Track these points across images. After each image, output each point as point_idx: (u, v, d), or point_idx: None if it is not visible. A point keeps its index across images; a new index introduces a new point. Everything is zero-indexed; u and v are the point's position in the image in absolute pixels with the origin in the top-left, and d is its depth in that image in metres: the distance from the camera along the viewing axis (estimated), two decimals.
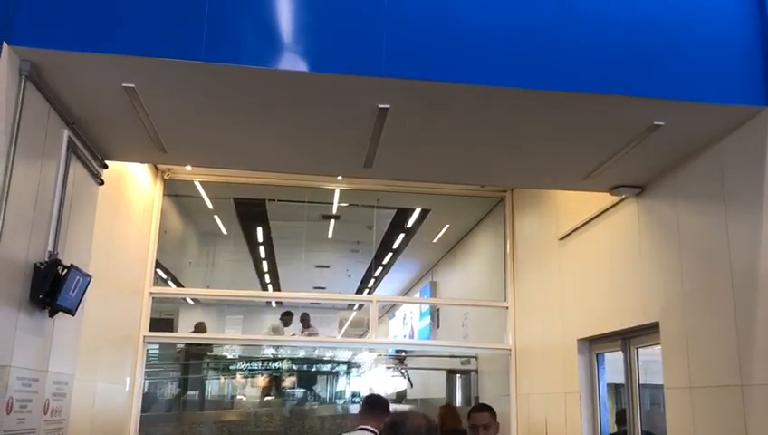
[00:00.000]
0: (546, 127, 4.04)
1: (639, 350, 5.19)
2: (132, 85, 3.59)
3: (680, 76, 3.66)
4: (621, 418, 5.54)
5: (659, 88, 3.63)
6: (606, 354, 5.71)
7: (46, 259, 3.81)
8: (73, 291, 3.98)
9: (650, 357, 5.17)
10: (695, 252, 4.31)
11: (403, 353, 10.61)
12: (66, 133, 4.03)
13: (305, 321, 10.29)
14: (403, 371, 10.71)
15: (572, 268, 6.05)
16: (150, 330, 6.99)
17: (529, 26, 3.62)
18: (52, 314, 3.94)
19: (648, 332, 4.86)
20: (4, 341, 3.43)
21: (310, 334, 9.97)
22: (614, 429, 5.69)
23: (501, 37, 3.59)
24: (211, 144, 4.60)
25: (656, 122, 3.85)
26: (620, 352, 5.34)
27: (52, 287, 3.77)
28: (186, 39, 3.39)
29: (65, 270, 3.85)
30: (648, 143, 4.12)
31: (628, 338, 5.21)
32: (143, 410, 6.86)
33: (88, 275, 4.15)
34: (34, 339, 3.83)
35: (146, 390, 7.11)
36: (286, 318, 10.60)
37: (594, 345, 5.74)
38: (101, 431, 5.53)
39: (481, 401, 8.55)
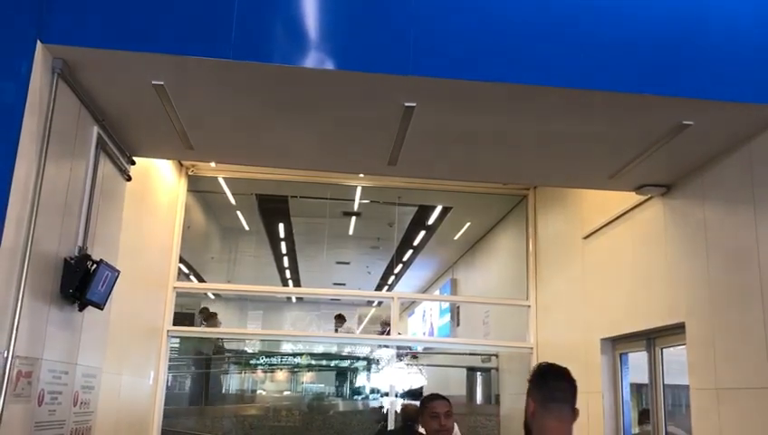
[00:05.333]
0: (574, 125, 4.01)
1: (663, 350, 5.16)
2: (162, 83, 3.62)
3: (710, 75, 3.61)
4: (644, 418, 5.50)
5: (689, 87, 3.59)
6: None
7: (76, 254, 3.87)
8: (102, 285, 4.04)
9: (669, 357, 5.14)
10: (722, 252, 4.27)
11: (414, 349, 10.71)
12: (96, 130, 4.08)
13: (204, 314, 9.92)
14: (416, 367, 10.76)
15: (596, 267, 6.02)
16: (173, 324, 7.07)
17: (557, 25, 3.60)
18: (81, 308, 4.00)
19: (673, 332, 4.82)
20: (36, 334, 3.49)
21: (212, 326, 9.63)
22: (637, 429, 5.66)
23: (529, 36, 3.57)
24: (238, 142, 4.64)
25: (684, 122, 3.82)
26: (642, 352, 5.31)
27: (81, 282, 3.83)
28: (215, 37, 3.42)
29: (94, 265, 3.91)
30: (675, 143, 4.08)
31: (653, 338, 5.18)
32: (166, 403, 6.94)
33: (116, 270, 4.20)
34: (64, 332, 3.89)
35: (169, 383, 7.19)
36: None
37: (618, 345, 5.71)
38: (126, 424, 5.61)
39: (502, 400, 8.55)
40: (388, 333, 10.21)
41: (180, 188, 7.24)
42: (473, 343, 9.44)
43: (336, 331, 9.94)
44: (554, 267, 7.16)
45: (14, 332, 3.15)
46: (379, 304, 13.58)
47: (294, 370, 10.50)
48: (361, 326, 14.90)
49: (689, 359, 4.54)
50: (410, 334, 13.68)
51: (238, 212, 9.70)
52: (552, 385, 2.27)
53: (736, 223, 4.12)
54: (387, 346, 9.14)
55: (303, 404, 9.99)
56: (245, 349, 10.35)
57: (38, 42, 3.31)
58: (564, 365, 2.46)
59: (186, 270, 8.29)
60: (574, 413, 2.28)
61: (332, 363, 10.72)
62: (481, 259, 10.90)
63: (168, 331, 6.95)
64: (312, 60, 3.50)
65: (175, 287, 7.08)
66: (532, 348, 7.48)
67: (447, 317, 12.25)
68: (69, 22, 3.38)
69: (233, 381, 10.61)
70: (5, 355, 3.11)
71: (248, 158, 5.52)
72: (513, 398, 8.17)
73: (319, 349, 10.80)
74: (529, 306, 7.65)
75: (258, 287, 8.87)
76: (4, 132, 3.17)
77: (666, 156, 4.32)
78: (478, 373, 10.09)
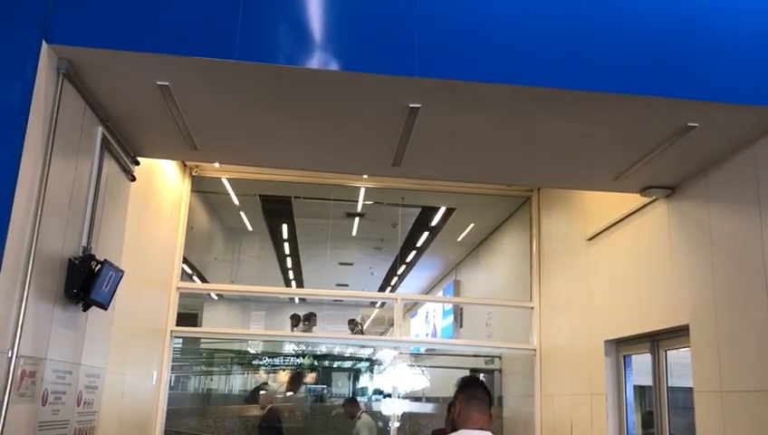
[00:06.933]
0: (578, 127, 4.01)
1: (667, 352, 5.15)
2: (166, 83, 3.63)
3: (715, 77, 3.61)
4: (647, 420, 5.49)
5: (694, 89, 3.58)
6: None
7: (80, 254, 3.87)
8: (106, 286, 4.04)
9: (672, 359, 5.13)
10: (727, 254, 4.26)
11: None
12: (100, 130, 4.09)
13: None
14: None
15: (600, 269, 6.01)
16: (176, 325, 7.07)
17: (562, 26, 3.59)
18: (85, 309, 4.01)
19: (677, 334, 4.81)
20: (41, 334, 3.49)
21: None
22: (640, 431, 5.65)
23: (534, 37, 3.57)
24: (242, 142, 4.64)
25: (690, 123, 3.81)
26: (646, 354, 5.29)
27: (85, 282, 3.83)
28: (219, 38, 3.42)
29: (99, 265, 3.91)
30: (680, 144, 4.07)
31: (657, 340, 5.16)
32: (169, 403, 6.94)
33: (120, 271, 4.21)
34: (69, 332, 3.90)
35: (172, 384, 7.19)
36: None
37: (621, 347, 5.70)
38: (129, 424, 5.62)
39: (505, 402, 8.53)
40: (361, 333, 10.19)
41: (184, 188, 7.25)
42: (476, 344, 9.42)
43: (292, 330, 9.94)
44: (558, 269, 7.15)
45: (19, 331, 3.15)
46: (382, 305, 13.56)
47: (297, 370, 10.48)
48: (364, 327, 14.87)
49: (693, 361, 4.53)
50: (413, 335, 13.68)
51: (242, 213, 9.70)
52: (473, 389, 3.03)
53: (741, 225, 4.11)
54: (394, 347, 9.12)
55: (306, 405, 9.98)
56: (248, 349, 10.34)
57: (43, 42, 3.32)
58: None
59: (189, 270, 8.28)
60: (491, 416, 2.99)
61: (335, 364, 10.70)
62: (484, 260, 10.88)
63: (171, 331, 6.96)
64: (316, 61, 3.50)
65: (178, 288, 7.09)
66: (535, 350, 7.47)
67: (450, 319, 12.23)
68: (74, 22, 3.39)
69: (235, 382, 10.61)
70: (10, 355, 3.11)
71: (252, 158, 5.53)
72: (517, 400, 8.16)
73: (321, 349, 10.79)
74: (532, 308, 7.64)
75: (261, 288, 8.85)
76: (10, 132, 3.17)
77: (671, 158, 4.32)
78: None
